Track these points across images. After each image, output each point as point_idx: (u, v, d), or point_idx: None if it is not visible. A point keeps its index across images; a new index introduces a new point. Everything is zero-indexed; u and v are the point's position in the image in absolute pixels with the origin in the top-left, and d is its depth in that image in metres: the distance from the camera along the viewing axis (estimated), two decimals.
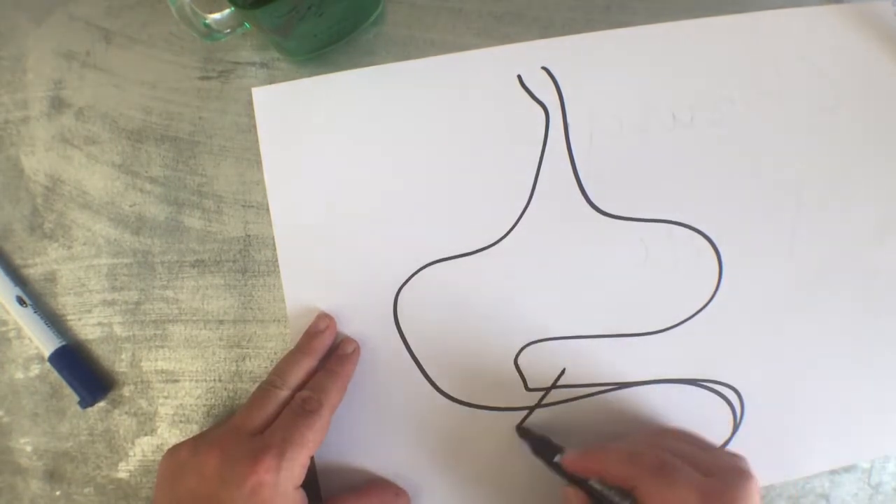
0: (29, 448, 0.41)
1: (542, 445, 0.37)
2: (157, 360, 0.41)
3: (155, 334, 0.41)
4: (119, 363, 0.41)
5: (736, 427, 0.40)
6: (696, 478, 0.32)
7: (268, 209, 0.40)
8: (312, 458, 0.40)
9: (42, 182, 0.41)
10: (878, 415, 0.41)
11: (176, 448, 0.35)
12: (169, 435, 0.40)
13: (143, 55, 0.41)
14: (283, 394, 0.36)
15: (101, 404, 0.41)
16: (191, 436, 0.36)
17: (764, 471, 0.40)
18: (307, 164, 0.40)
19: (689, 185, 0.41)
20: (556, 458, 0.36)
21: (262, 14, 0.33)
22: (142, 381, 0.41)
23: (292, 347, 0.39)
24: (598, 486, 0.34)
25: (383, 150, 0.41)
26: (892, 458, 0.41)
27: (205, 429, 0.40)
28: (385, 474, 0.40)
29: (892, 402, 0.41)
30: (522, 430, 0.39)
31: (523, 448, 0.38)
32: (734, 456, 0.35)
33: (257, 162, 0.41)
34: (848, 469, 0.41)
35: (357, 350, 0.39)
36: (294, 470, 0.33)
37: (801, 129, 0.41)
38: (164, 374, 0.41)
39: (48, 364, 0.40)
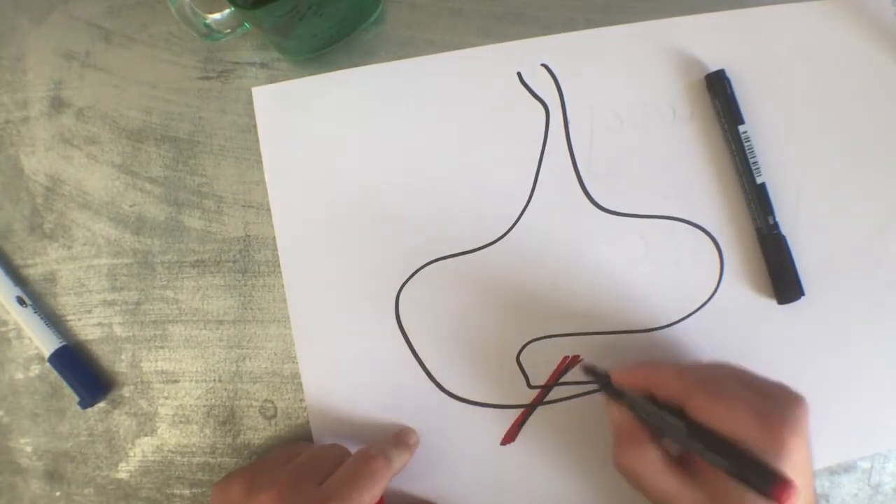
0: (29, 448, 0.41)
1: (607, 380, 0.36)
2: (157, 360, 0.41)
3: (155, 334, 0.41)
4: (119, 363, 0.41)
5: None
6: (748, 395, 0.32)
7: (268, 209, 0.40)
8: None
9: (42, 182, 0.41)
10: (879, 412, 0.41)
11: (228, 483, 0.35)
12: (169, 435, 0.40)
13: (143, 55, 0.41)
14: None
15: (101, 404, 0.40)
16: (241, 466, 0.36)
17: None
18: (307, 164, 0.40)
19: (689, 181, 0.41)
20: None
21: (262, 14, 0.33)
22: (142, 382, 0.41)
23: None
24: (640, 402, 0.34)
25: (383, 148, 0.41)
26: (892, 458, 0.41)
27: (256, 458, 0.40)
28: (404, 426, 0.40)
29: (891, 400, 0.41)
30: (587, 368, 0.38)
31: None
32: (784, 385, 0.34)
33: (257, 162, 0.41)
34: (848, 469, 0.41)
35: (417, 443, 0.39)
36: None
37: (801, 123, 0.41)
38: (164, 375, 0.40)
39: (48, 364, 0.40)
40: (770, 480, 0.29)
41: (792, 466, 0.30)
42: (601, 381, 0.36)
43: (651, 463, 0.33)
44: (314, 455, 0.35)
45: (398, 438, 0.38)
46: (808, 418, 0.32)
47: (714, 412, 0.32)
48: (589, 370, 0.37)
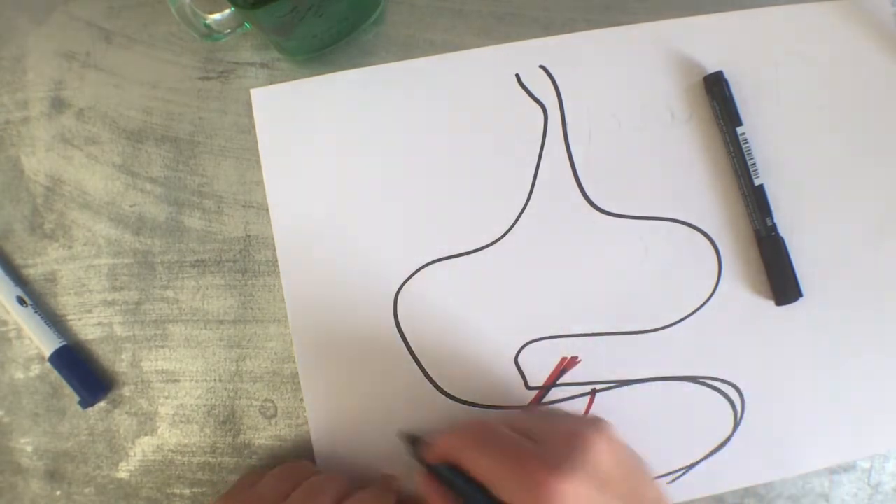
0: (29, 448, 0.41)
1: (409, 440, 0.36)
2: (157, 360, 0.41)
3: (155, 334, 0.41)
4: (119, 363, 0.41)
5: (737, 424, 0.40)
6: (513, 443, 0.31)
7: (268, 209, 0.40)
8: (313, 458, 0.40)
9: (42, 182, 0.41)
10: (879, 413, 0.41)
11: None
12: (169, 435, 0.40)
13: (144, 55, 0.41)
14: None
15: (102, 404, 0.41)
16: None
17: (764, 468, 0.40)
18: (306, 165, 0.41)
19: (688, 183, 0.41)
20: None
21: (262, 14, 0.33)
22: (142, 381, 0.41)
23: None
24: (438, 469, 0.33)
25: (383, 149, 0.41)
26: (892, 458, 0.41)
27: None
28: (386, 472, 0.40)
29: (892, 400, 0.41)
30: (405, 437, 0.37)
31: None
32: (576, 420, 0.33)
33: (258, 162, 0.41)
34: (847, 469, 0.41)
35: (400, 489, 0.38)
36: None
37: (799, 125, 0.41)
38: (164, 374, 0.41)
39: (48, 364, 0.40)
40: None
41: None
42: (413, 451, 0.35)
43: None
44: (312, 490, 0.35)
45: (385, 486, 0.38)
46: (594, 454, 0.30)
47: (479, 466, 0.31)
48: (406, 439, 0.36)
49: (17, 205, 0.41)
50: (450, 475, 0.32)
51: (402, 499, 0.38)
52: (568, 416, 0.37)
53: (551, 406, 0.38)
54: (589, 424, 0.32)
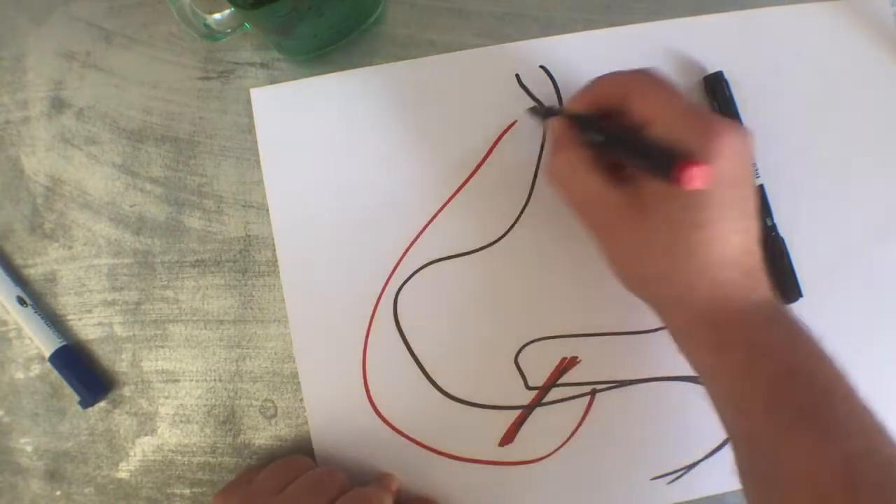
0: (29, 448, 0.41)
1: (549, 113, 0.36)
2: (157, 360, 0.41)
3: (155, 334, 0.41)
4: (119, 363, 0.41)
5: None
6: (681, 94, 0.32)
7: (268, 209, 0.40)
8: (313, 457, 0.40)
9: (42, 182, 0.41)
10: (878, 412, 0.41)
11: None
12: (169, 435, 0.40)
13: (144, 55, 0.41)
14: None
15: (102, 404, 0.41)
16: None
17: None
18: (306, 165, 0.41)
19: None
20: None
21: (262, 14, 0.33)
22: (142, 381, 0.41)
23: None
24: (575, 113, 0.33)
25: (382, 149, 0.41)
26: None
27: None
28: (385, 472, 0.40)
29: (891, 400, 0.41)
30: (532, 109, 0.38)
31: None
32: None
33: (258, 162, 0.41)
34: None
35: (398, 489, 0.39)
36: None
37: (799, 125, 0.41)
38: (164, 374, 0.41)
39: (48, 364, 0.40)
40: (671, 160, 0.27)
41: (718, 172, 0.29)
42: (546, 111, 0.35)
43: (578, 163, 0.33)
44: (310, 483, 0.35)
45: (383, 484, 0.38)
46: (750, 146, 0.32)
47: (654, 98, 0.32)
48: (536, 110, 0.37)
49: (17, 205, 0.41)
50: (588, 115, 0.33)
51: (400, 498, 0.38)
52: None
53: None
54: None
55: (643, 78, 0.33)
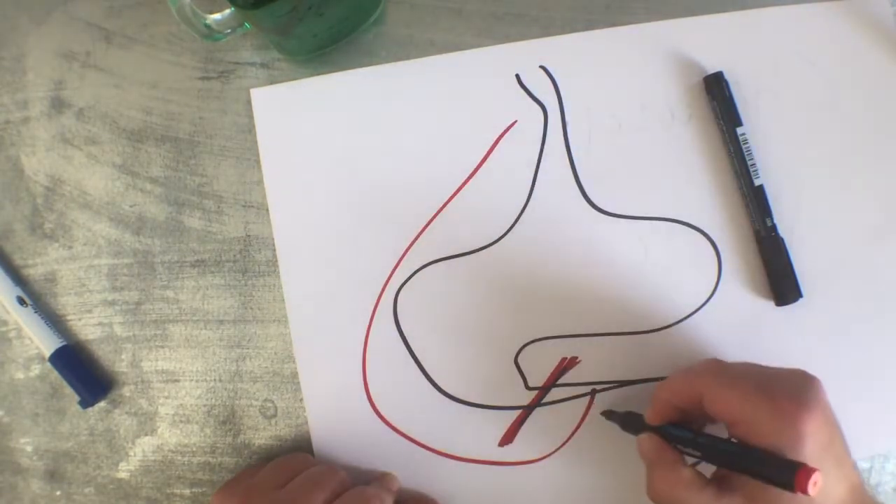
0: (29, 448, 0.41)
1: (627, 420, 0.37)
2: (157, 360, 0.41)
3: (155, 334, 0.41)
4: (119, 363, 0.41)
5: None
6: (757, 378, 0.32)
7: (268, 209, 0.40)
8: (313, 457, 0.40)
9: (42, 182, 0.41)
10: (879, 413, 0.41)
11: (223, 500, 0.36)
12: (169, 435, 0.40)
13: (144, 55, 0.41)
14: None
15: (102, 404, 0.41)
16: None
17: None
18: (307, 165, 0.41)
19: (688, 183, 0.41)
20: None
21: (262, 14, 0.33)
22: (142, 381, 0.41)
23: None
24: (665, 427, 0.34)
25: (382, 149, 0.41)
26: (892, 457, 0.41)
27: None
28: (385, 472, 0.40)
29: (891, 400, 0.41)
30: (607, 413, 0.39)
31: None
32: (796, 369, 0.34)
33: (258, 162, 0.41)
34: None
35: (399, 488, 0.39)
36: None
37: (799, 125, 0.41)
38: (164, 374, 0.41)
39: (48, 364, 0.40)
40: (789, 471, 0.29)
41: (812, 447, 0.30)
42: (635, 427, 0.36)
43: (684, 483, 0.33)
44: (311, 479, 0.35)
45: (384, 484, 0.38)
46: (823, 395, 0.32)
47: (726, 401, 0.32)
48: (613, 416, 0.38)
49: (17, 205, 0.41)
50: (677, 430, 0.34)
51: (400, 498, 0.38)
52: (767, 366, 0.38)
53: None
54: (804, 372, 0.34)
55: (710, 377, 0.33)
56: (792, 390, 0.32)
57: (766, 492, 0.31)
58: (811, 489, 0.28)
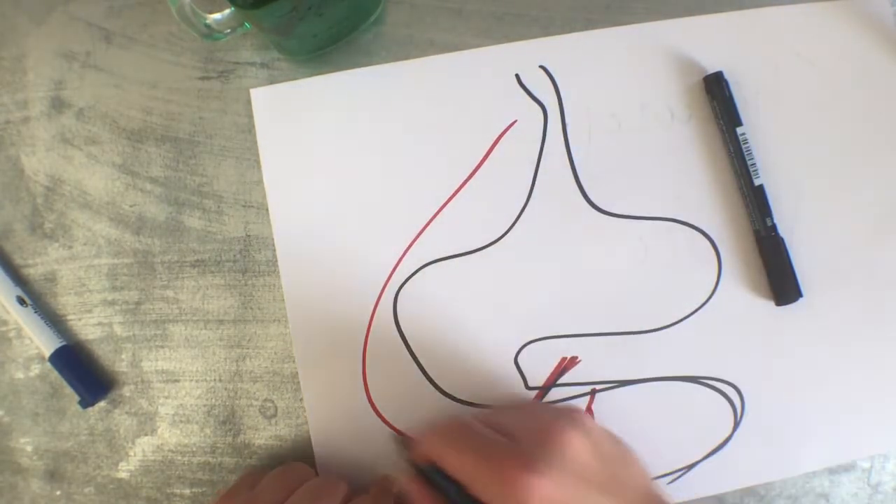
0: (29, 448, 0.41)
1: (400, 442, 0.36)
2: (157, 359, 0.41)
3: (155, 334, 0.41)
4: (119, 363, 0.41)
5: (737, 424, 0.40)
6: (487, 441, 0.31)
7: (268, 209, 0.41)
8: (313, 457, 0.40)
9: (42, 182, 0.41)
10: (878, 412, 0.41)
11: None
12: (169, 435, 0.40)
13: (144, 55, 0.41)
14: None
15: (102, 404, 0.41)
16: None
17: (764, 468, 0.40)
18: (306, 165, 0.41)
19: (687, 183, 0.41)
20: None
21: (262, 14, 0.33)
22: (142, 381, 0.41)
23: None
24: (423, 469, 0.33)
25: (382, 149, 0.41)
26: (892, 457, 0.41)
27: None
28: (385, 473, 0.40)
29: (891, 399, 0.41)
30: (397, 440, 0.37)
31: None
32: (556, 413, 0.33)
33: (258, 162, 0.41)
34: (847, 469, 0.41)
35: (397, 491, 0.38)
36: None
37: (799, 125, 0.42)
38: (164, 374, 0.41)
39: (48, 364, 0.40)
40: None
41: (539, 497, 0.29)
42: (402, 452, 0.35)
43: None
44: (313, 493, 0.35)
45: (383, 487, 0.38)
46: (572, 448, 0.30)
47: (452, 464, 0.31)
48: (397, 440, 0.36)
49: (17, 205, 0.41)
50: (434, 475, 0.32)
51: (400, 501, 0.38)
52: (545, 409, 0.37)
53: (528, 400, 0.38)
54: (564, 416, 0.32)
55: (440, 436, 0.32)
56: (526, 450, 0.30)
57: None
58: None
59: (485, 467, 0.30)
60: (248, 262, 0.41)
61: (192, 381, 0.41)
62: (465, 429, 0.32)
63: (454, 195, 0.41)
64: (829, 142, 0.42)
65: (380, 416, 0.40)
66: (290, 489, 0.35)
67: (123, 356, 0.41)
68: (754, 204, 0.40)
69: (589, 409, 0.40)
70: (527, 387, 0.40)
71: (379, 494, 0.37)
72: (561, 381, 0.40)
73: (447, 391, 0.40)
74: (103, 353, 0.41)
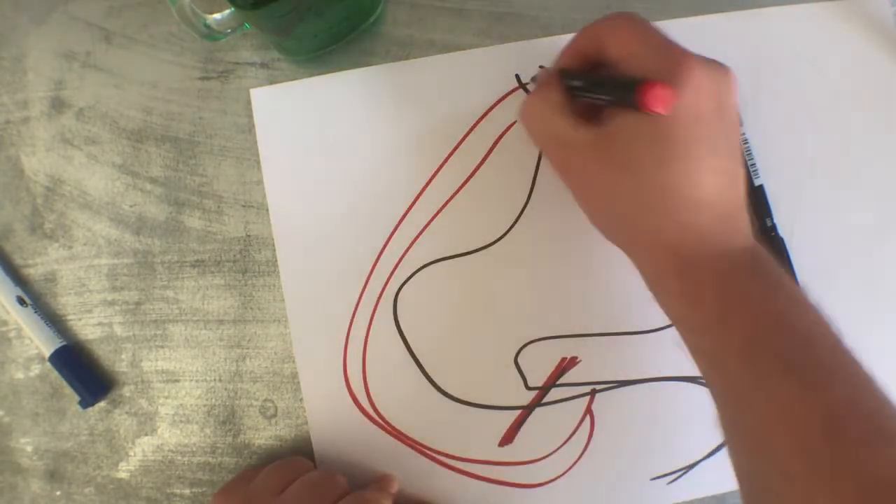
0: (29, 448, 0.41)
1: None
2: (157, 360, 0.41)
3: (155, 334, 0.41)
4: (119, 363, 0.41)
5: None
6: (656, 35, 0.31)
7: (268, 209, 0.40)
8: (313, 457, 0.40)
9: (42, 182, 0.41)
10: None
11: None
12: (169, 435, 0.40)
13: (144, 55, 0.41)
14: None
15: (102, 404, 0.41)
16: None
17: None
18: (306, 165, 0.41)
19: None
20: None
21: (262, 14, 0.33)
22: (142, 381, 0.41)
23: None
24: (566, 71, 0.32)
25: (382, 149, 0.41)
26: None
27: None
28: (385, 473, 0.40)
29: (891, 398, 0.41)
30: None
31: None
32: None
33: (258, 162, 0.41)
34: None
35: (398, 491, 0.39)
36: None
37: (799, 125, 0.41)
38: (164, 374, 0.41)
39: (48, 364, 0.40)
40: (634, 85, 0.27)
41: (688, 101, 0.28)
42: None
43: (548, 104, 0.32)
44: (310, 485, 0.35)
45: (382, 486, 0.38)
46: (726, 83, 0.31)
47: (619, 41, 0.30)
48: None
49: (17, 205, 0.41)
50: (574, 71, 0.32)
51: (399, 500, 0.38)
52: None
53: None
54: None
55: (617, 20, 0.32)
56: (699, 55, 0.30)
57: (622, 124, 0.29)
58: (651, 102, 0.26)
59: (663, 47, 0.30)
60: (248, 262, 0.41)
61: (192, 381, 0.41)
62: (636, 18, 0.32)
63: (454, 195, 0.41)
64: (829, 142, 0.41)
65: (380, 415, 0.40)
66: (288, 481, 0.35)
67: (123, 356, 0.41)
68: (754, 204, 0.40)
69: (589, 410, 0.40)
70: (527, 387, 0.40)
71: (378, 491, 0.37)
72: (561, 381, 0.40)
73: (447, 391, 0.40)
74: (103, 353, 0.41)
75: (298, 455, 0.40)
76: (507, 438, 0.40)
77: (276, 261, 0.40)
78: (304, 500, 0.34)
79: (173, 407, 0.41)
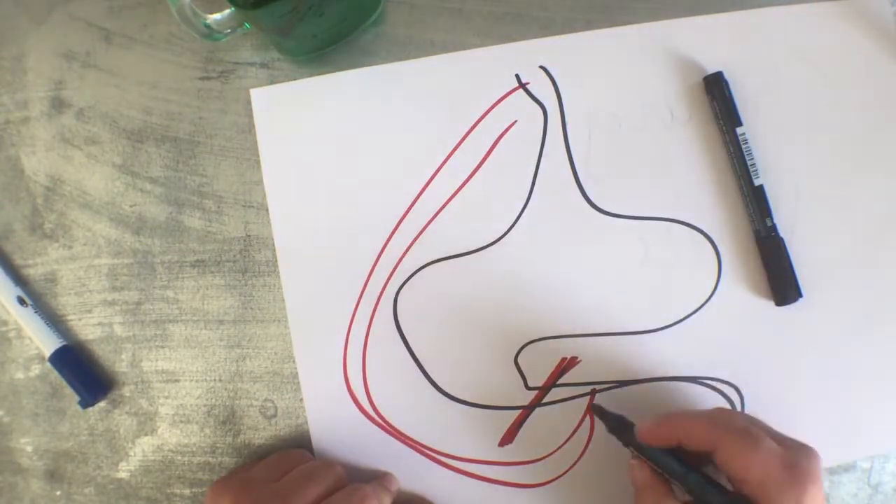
0: (29, 448, 0.41)
1: (616, 423, 0.37)
2: (157, 360, 0.41)
3: (155, 334, 0.41)
4: (119, 363, 0.41)
5: None
6: (776, 446, 0.32)
7: (268, 209, 0.41)
8: (310, 453, 0.40)
9: (42, 182, 0.41)
10: (878, 412, 0.41)
11: (217, 495, 0.36)
12: (169, 435, 0.40)
13: (144, 55, 0.41)
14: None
15: (102, 404, 0.41)
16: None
17: None
18: (306, 165, 0.41)
19: (687, 183, 0.41)
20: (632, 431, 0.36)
21: (262, 14, 0.33)
22: (142, 381, 0.41)
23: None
24: (660, 456, 0.34)
25: (382, 149, 0.41)
26: (892, 457, 0.41)
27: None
28: (385, 472, 0.40)
29: (891, 399, 0.41)
30: (597, 409, 0.38)
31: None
32: (797, 440, 0.35)
33: (258, 162, 0.41)
34: (847, 469, 0.41)
35: (398, 489, 0.39)
36: None
37: (799, 125, 0.41)
38: (164, 374, 0.41)
39: (48, 364, 0.40)
40: None
41: None
42: (622, 433, 0.36)
43: None
44: (307, 473, 0.35)
45: (383, 484, 0.38)
46: (821, 471, 0.33)
47: (745, 460, 0.32)
48: (605, 416, 0.37)
49: (18, 205, 0.41)
50: (668, 459, 0.34)
51: (399, 499, 0.38)
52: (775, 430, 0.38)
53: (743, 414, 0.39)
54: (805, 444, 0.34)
55: (737, 433, 0.33)
56: (804, 460, 0.32)
57: None
58: None
59: (780, 469, 0.32)
60: (248, 262, 0.41)
61: (192, 381, 0.41)
62: (739, 418, 0.34)
63: (455, 195, 0.41)
64: (829, 142, 0.42)
65: (380, 415, 0.40)
66: (287, 471, 0.35)
67: (123, 356, 0.41)
68: (754, 204, 0.40)
69: (589, 410, 0.40)
70: (527, 387, 0.40)
71: (378, 487, 0.37)
72: (561, 381, 0.40)
73: (447, 391, 0.40)
74: (103, 353, 0.41)
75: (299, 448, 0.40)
76: (507, 438, 0.40)
77: (276, 261, 0.40)
78: (301, 487, 0.34)
79: (173, 407, 0.41)
